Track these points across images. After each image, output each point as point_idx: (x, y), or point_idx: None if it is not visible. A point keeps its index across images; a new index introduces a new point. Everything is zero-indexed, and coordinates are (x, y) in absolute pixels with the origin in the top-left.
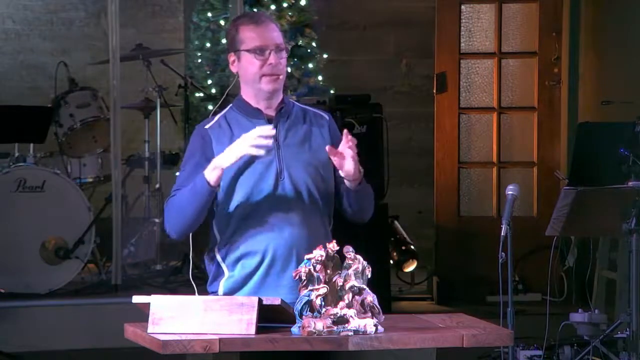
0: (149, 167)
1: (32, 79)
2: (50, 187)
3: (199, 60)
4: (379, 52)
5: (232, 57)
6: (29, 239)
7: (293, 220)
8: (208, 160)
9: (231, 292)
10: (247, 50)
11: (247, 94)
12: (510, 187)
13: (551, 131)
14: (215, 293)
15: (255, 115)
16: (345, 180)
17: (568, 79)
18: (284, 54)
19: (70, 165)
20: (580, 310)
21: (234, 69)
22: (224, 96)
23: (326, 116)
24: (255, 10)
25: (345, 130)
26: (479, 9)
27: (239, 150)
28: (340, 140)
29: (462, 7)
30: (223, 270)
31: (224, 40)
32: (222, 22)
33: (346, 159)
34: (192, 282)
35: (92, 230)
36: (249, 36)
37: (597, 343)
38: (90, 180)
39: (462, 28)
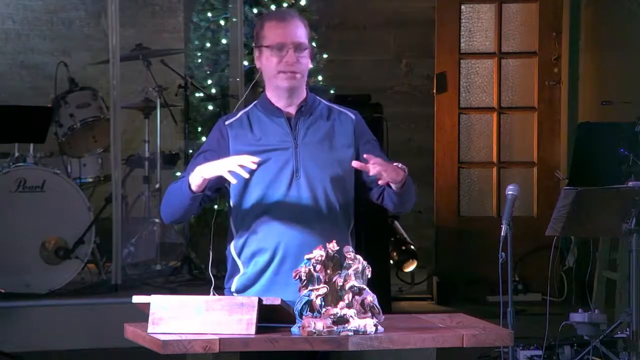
0: (149, 167)
1: (32, 79)
2: (50, 187)
3: (199, 60)
4: (379, 52)
5: (256, 53)
6: (29, 239)
7: (306, 219)
8: (220, 156)
9: (243, 289)
10: (267, 47)
11: (269, 92)
12: (510, 187)
13: (551, 131)
14: (229, 289)
15: (275, 114)
16: (392, 185)
17: (568, 79)
18: (305, 53)
19: (70, 165)
20: (580, 310)
21: (257, 64)
22: (248, 89)
23: (352, 115)
24: (255, 10)
25: (365, 156)
26: (479, 9)
27: (218, 169)
28: (367, 139)
29: (462, 7)
30: (239, 267)
31: (224, 40)
32: (222, 22)
33: (379, 170)
34: (211, 276)
35: (92, 230)
36: (271, 33)
37: (597, 343)
38: (90, 180)
39: (462, 28)
